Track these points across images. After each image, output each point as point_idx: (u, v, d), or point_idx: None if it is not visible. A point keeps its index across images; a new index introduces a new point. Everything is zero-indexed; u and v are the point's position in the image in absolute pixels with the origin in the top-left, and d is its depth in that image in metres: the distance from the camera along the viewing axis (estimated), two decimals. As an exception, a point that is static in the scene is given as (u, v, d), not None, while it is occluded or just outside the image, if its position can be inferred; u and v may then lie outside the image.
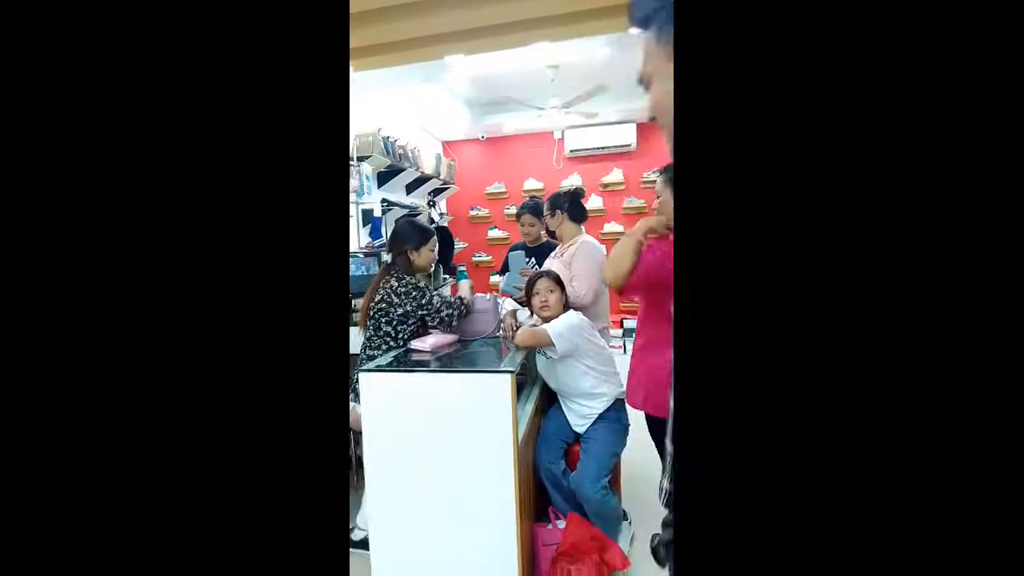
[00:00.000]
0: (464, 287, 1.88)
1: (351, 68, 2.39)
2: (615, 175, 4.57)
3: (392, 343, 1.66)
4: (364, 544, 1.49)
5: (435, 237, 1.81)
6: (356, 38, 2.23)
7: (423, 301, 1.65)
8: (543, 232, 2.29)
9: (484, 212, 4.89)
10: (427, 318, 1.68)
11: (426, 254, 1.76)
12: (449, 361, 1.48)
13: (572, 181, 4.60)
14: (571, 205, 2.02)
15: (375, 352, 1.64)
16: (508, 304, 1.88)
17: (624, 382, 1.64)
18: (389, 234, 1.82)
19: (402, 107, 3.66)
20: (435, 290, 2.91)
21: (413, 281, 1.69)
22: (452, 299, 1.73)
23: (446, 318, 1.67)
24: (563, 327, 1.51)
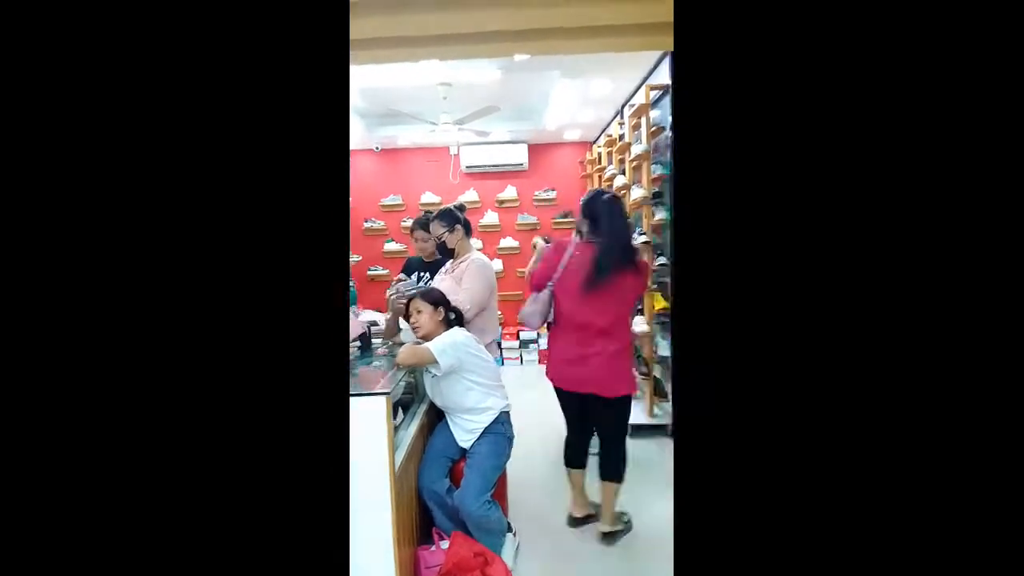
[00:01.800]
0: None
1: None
2: (509, 192, 4.73)
3: None
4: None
5: None
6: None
7: None
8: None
9: (380, 224, 4.74)
10: None
11: None
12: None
13: (469, 196, 4.66)
14: (465, 220, 2.04)
15: None
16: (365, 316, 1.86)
17: (509, 395, 1.69)
18: None
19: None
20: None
21: None
22: None
23: None
24: (446, 343, 1.51)
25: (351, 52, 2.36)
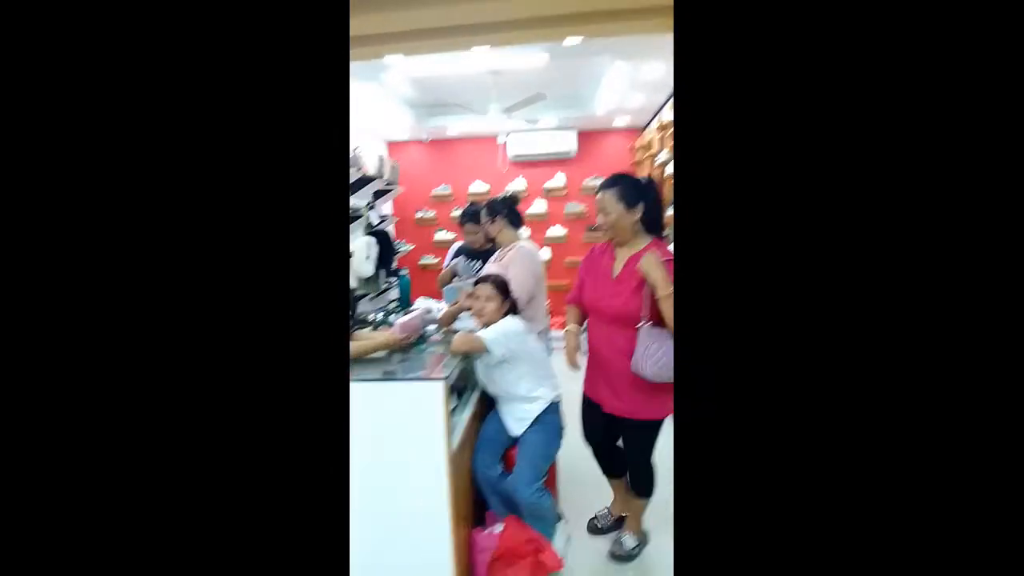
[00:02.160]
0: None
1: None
2: (558, 180, 4.67)
3: None
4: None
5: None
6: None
7: None
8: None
9: (430, 214, 4.84)
10: None
11: None
12: (383, 369, 1.45)
13: (517, 185, 4.65)
14: (509, 211, 2.04)
15: None
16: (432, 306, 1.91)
17: (561, 383, 1.68)
18: None
19: (340, 106, 3.54)
20: (376, 294, 2.84)
21: None
22: None
23: None
24: (499, 333, 1.52)
25: (403, 43, 2.40)
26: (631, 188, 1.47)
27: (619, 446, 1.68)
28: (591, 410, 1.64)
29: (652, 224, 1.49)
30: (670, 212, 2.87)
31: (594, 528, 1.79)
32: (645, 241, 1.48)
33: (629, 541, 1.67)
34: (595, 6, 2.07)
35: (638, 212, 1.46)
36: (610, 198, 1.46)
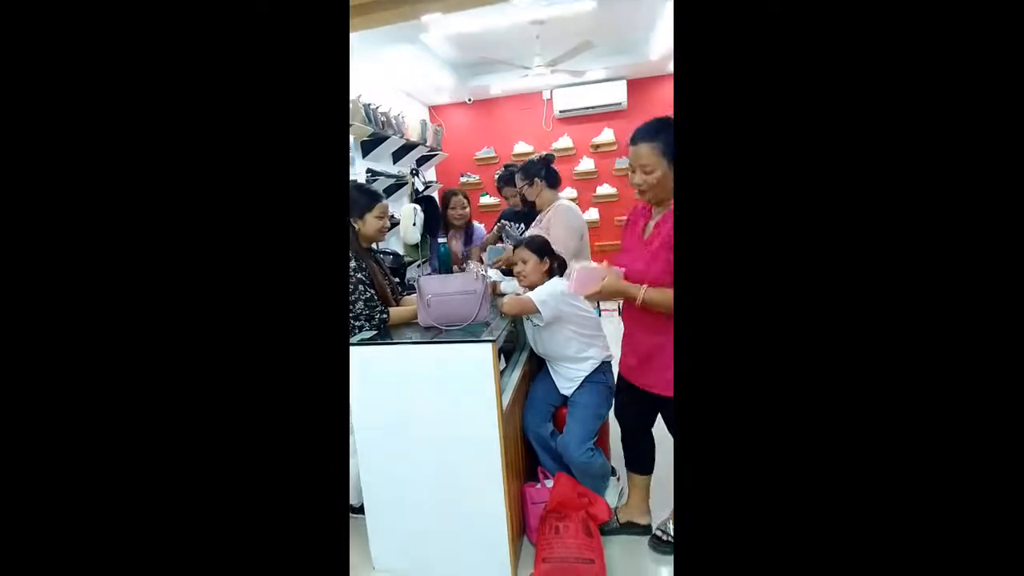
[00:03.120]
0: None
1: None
2: (606, 135, 4.47)
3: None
4: (360, 510, 1.55)
5: (383, 202, 1.60)
6: None
7: (353, 293, 1.47)
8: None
9: (475, 179, 4.81)
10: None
11: (372, 222, 1.56)
12: (434, 331, 1.49)
13: (562, 143, 4.50)
14: (547, 172, 2.00)
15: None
16: (493, 274, 1.88)
17: (611, 344, 1.66)
18: None
19: (380, 72, 3.52)
20: (423, 261, 2.89)
21: (352, 264, 1.50)
22: (376, 310, 1.51)
23: (361, 318, 1.50)
24: (547, 294, 1.51)
25: (439, 1, 2.31)
26: (669, 140, 1.17)
27: (652, 436, 1.50)
28: (626, 391, 1.45)
29: None
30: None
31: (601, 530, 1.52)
32: None
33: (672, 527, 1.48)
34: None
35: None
36: (649, 152, 1.20)
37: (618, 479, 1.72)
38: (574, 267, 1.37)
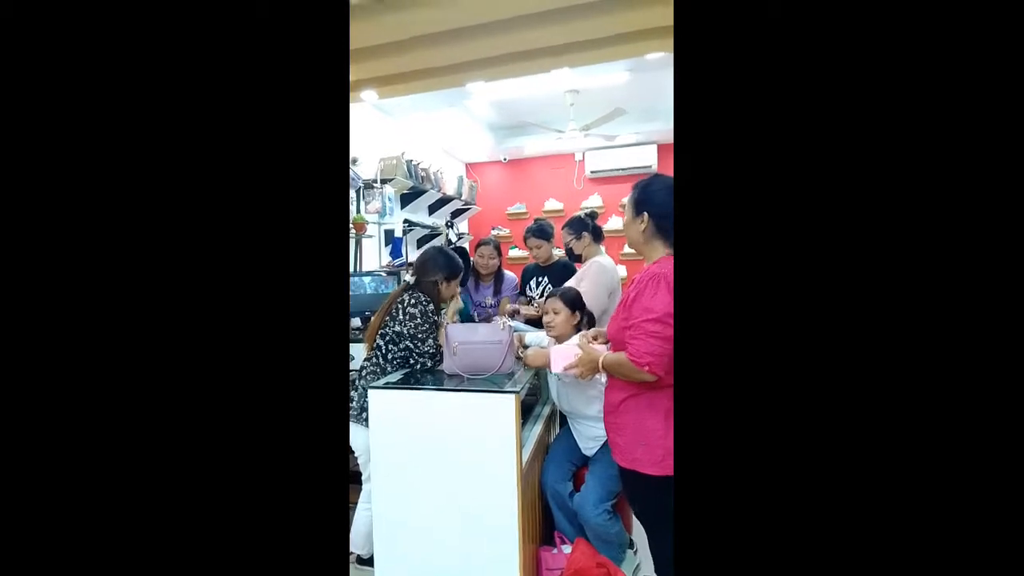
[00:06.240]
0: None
1: (376, 95, 2.50)
2: (636, 196, 4.57)
3: (379, 359, 1.60)
4: (369, 561, 1.50)
5: (463, 273, 1.79)
6: (381, 67, 2.33)
7: (421, 331, 1.58)
8: (552, 251, 2.37)
9: (505, 232, 4.95)
10: (413, 349, 1.59)
11: (453, 287, 1.76)
12: (458, 379, 1.50)
13: (592, 202, 4.62)
14: (593, 227, 2.09)
15: (368, 365, 1.62)
16: (519, 326, 1.91)
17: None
18: (418, 258, 1.77)
19: (426, 131, 3.78)
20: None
21: (430, 308, 1.62)
22: (441, 353, 1.59)
23: (427, 360, 1.59)
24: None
25: (484, 70, 2.51)
26: (640, 192, 1.21)
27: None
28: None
29: (664, 233, 1.16)
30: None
31: None
32: (659, 254, 1.17)
33: None
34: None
35: (642, 221, 1.18)
36: (627, 206, 1.26)
37: (635, 552, 1.62)
38: (551, 348, 1.42)
